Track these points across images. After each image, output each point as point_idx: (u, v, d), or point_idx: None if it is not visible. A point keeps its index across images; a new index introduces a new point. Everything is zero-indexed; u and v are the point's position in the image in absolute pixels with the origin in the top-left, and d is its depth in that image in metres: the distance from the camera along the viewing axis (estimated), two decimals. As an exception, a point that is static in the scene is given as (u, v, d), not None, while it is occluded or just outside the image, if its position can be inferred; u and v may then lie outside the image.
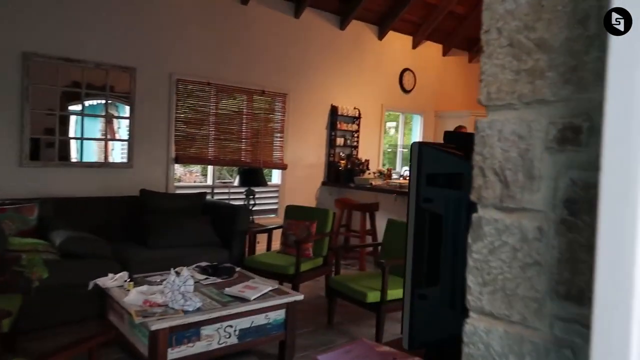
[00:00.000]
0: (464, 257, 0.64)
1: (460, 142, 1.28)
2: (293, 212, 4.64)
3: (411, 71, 7.56)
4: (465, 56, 8.51)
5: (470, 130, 5.94)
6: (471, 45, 8.41)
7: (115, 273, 3.14)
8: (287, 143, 6.20)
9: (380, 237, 4.69)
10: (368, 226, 5.56)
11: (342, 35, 6.67)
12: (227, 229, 4.52)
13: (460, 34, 7.88)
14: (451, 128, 7.86)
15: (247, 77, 5.74)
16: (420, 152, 1.25)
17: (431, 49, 7.94)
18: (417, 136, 7.96)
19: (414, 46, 7.63)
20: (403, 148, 7.79)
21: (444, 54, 8.13)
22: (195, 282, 2.98)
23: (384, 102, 7.28)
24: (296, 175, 6.33)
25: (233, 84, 5.63)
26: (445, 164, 1.29)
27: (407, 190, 1.30)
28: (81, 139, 4.73)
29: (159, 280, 3.12)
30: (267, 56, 5.93)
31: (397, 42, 7.41)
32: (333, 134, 6.59)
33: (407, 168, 7.36)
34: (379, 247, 4.44)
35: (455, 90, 8.40)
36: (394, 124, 8.16)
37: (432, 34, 7.67)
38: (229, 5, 5.55)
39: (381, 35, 7.11)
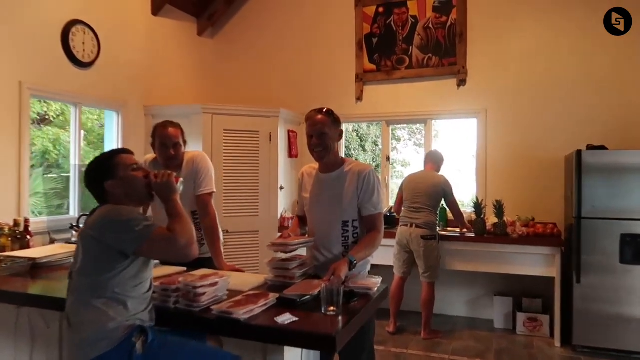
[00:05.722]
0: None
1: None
2: None
3: (89, 27, 4.12)
4: (194, 24, 5.53)
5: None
6: (201, 10, 5.48)
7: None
8: None
9: None
10: None
11: None
12: None
13: (180, -18, 4.86)
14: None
15: None
16: None
17: None
18: (111, 145, 4.53)
19: (95, -14, 4.24)
20: (82, 168, 4.24)
21: (155, 12, 4.96)
22: None
23: (25, 79, 3.64)
24: None
25: None
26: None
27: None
28: None
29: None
30: None
31: (55, -31, 3.91)
32: None
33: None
34: None
35: (177, 74, 5.31)
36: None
37: (128, -31, 4.42)
38: None
39: (10, -56, 3.51)
